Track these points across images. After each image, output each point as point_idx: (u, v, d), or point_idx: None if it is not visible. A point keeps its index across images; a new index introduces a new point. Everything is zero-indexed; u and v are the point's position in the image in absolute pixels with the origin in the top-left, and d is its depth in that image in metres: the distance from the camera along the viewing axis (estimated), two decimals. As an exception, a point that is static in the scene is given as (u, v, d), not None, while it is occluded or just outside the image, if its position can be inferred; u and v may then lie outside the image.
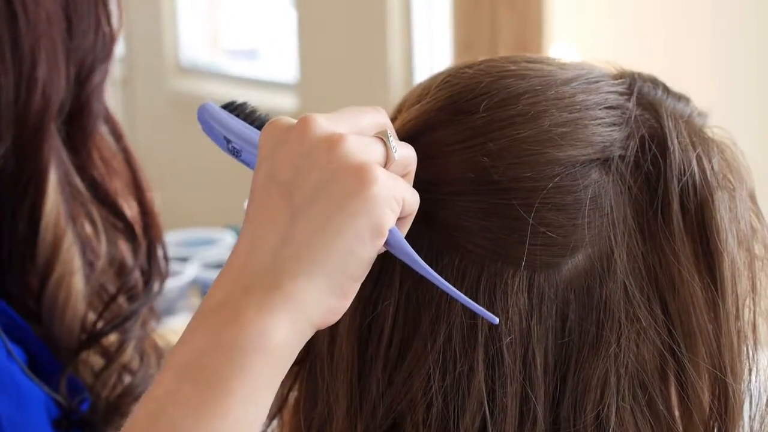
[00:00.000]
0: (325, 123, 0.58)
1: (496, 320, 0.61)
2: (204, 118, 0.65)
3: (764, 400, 0.69)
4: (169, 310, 2.37)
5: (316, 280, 0.56)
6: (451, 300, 0.63)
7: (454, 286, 0.62)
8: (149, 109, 4.12)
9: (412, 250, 0.60)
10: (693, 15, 2.00)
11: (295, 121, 0.60)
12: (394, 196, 0.58)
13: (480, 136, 0.64)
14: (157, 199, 0.97)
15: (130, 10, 3.94)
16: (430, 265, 0.62)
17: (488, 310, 0.62)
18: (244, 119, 0.64)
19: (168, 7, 4.07)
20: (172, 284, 2.42)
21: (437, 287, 0.62)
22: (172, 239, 2.76)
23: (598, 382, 0.63)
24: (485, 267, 0.63)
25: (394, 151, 0.60)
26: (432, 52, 2.56)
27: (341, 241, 0.57)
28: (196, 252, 2.64)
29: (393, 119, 0.70)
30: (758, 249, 0.70)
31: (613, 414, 0.63)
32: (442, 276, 0.62)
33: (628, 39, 1.99)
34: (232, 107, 0.65)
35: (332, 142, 0.57)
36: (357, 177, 0.57)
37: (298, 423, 0.69)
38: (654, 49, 1.99)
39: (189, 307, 2.42)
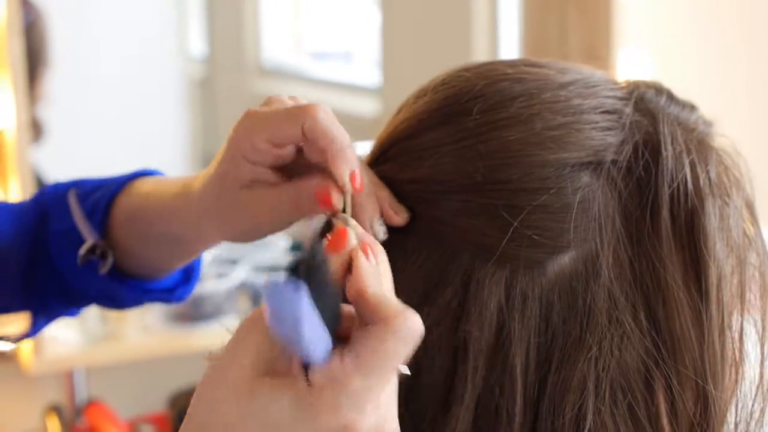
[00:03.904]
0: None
1: None
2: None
3: (749, 408, 0.70)
4: (217, 313, 2.42)
5: None
6: (431, 304, 0.66)
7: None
8: (229, 110, 4.17)
9: None
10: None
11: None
12: None
13: (471, 138, 0.67)
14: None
15: (212, 10, 3.99)
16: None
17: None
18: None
19: (250, 8, 4.14)
20: (220, 286, 2.47)
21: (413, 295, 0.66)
22: (224, 241, 2.81)
23: (578, 384, 0.64)
24: (469, 265, 0.66)
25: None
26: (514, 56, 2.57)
27: None
28: (246, 254, 2.69)
29: (396, 117, 0.73)
30: (752, 258, 0.71)
31: (590, 416, 0.64)
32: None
33: (700, 45, 1.99)
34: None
35: None
36: None
37: None
38: (728, 54, 1.98)
39: (236, 310, 2.46)
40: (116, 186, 0.87)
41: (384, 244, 0.68)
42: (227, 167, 0.72)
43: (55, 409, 2.36)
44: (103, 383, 2.53)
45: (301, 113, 0.67)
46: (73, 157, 3.15)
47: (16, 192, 1.92)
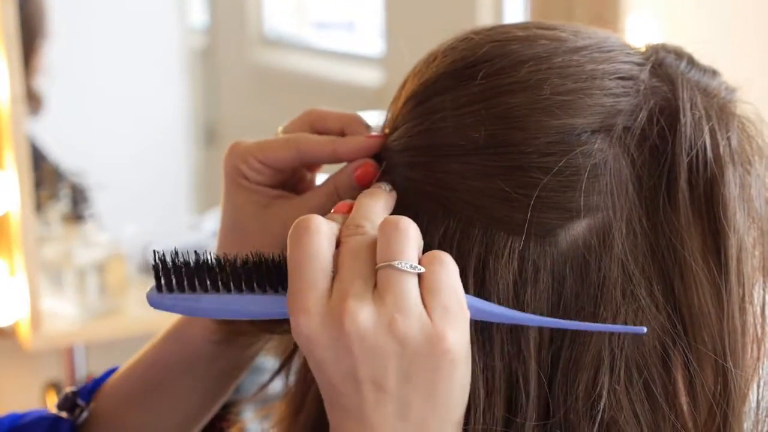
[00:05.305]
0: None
1: (644, 330, 0.63)
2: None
3: None
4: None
5: None
6: None
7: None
8: (232, 80, 4.17)
9: (498, 308, 0.63)
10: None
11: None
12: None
13: (476, 103, 0.65)
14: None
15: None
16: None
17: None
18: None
19: (252, -23, 4.12)
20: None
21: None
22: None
23: (591, 360, 0.63)
24: (483, 237, 0.64)
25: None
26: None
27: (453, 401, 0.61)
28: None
29: (404, 84, 0.72)
30: None
31: (605, 394, 0.63)
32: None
33: (711, 10, 1.96)
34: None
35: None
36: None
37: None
38: (739, 18, 1.95)
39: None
40: (101, 377, 0.89)
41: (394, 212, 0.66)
42: (236, 196, 0.76)
43: (55, 386, 2.35)
44: (104, 359, 2.52)
45: (292, 139, 0.74)
46: (74, 129, 3.15)
47: (10, 164, 1.90)
